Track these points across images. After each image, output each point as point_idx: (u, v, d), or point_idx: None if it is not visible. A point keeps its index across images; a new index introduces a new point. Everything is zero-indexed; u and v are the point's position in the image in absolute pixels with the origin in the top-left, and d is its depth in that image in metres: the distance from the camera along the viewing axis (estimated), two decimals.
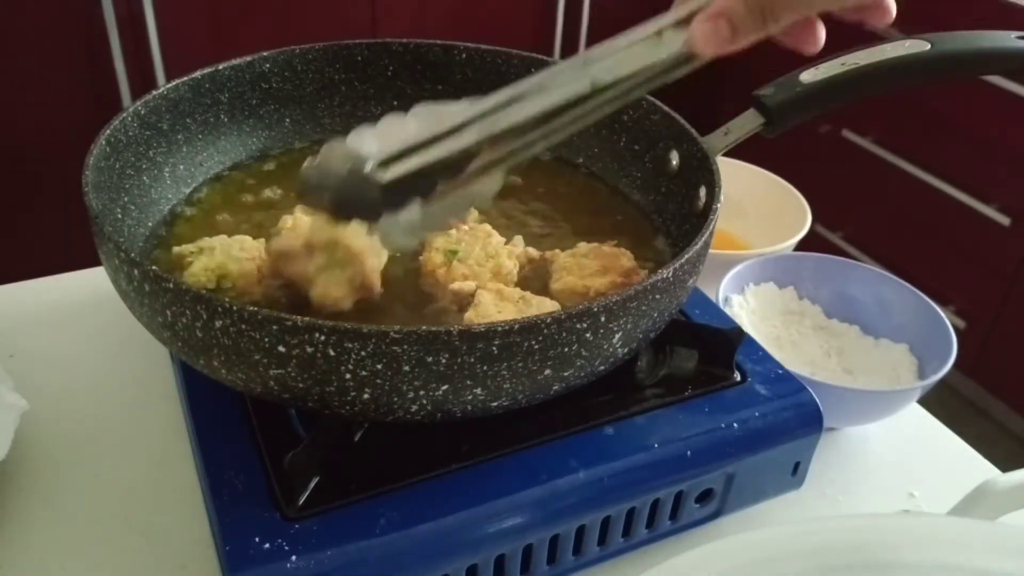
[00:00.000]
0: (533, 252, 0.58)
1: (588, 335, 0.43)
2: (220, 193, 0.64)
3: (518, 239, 0.58)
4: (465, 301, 0.52)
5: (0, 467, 0.55)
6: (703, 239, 0.49)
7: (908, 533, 0.32)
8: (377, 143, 0.46)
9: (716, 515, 0.55)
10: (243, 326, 0.41)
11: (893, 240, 1.99)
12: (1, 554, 0.51)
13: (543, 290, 0.55)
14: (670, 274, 0.46)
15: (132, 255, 0.44)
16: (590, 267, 0.56)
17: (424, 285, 0.56)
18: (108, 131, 0.55)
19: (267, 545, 0.43)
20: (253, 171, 0.66)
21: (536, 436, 0.50)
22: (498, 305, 0.51)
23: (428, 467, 0.47)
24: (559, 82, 0.45)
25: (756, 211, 0.86)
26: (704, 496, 0.53)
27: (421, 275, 0.56)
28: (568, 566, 0.51)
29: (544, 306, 0.51)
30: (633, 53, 0.44)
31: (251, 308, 0.40)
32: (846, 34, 0.47)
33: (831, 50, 0.58)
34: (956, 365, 0.62)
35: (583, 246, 0.58)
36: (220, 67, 0.64)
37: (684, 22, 0.43)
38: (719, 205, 0.52)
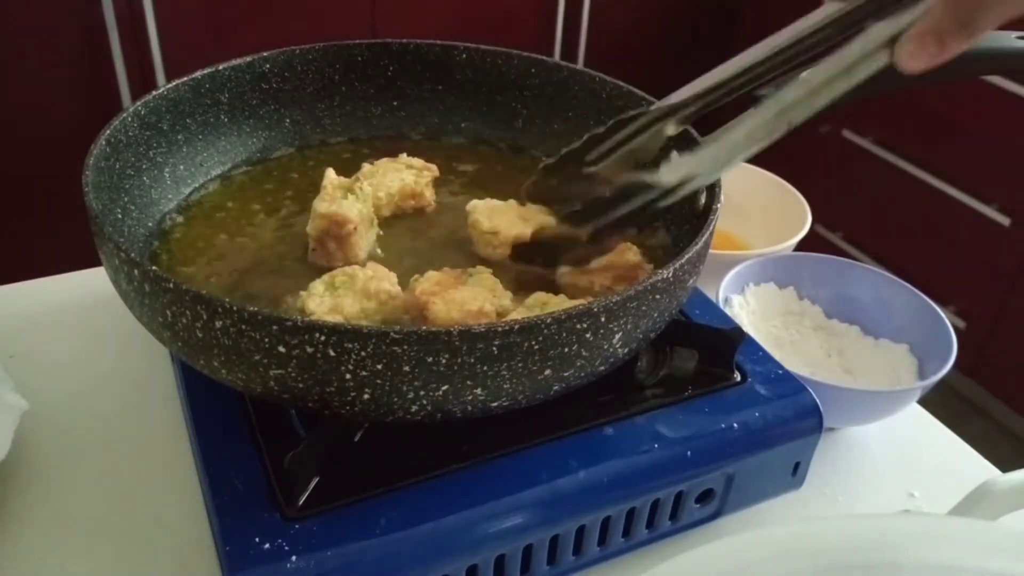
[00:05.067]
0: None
1: (588, 335, 0.43)
2: (220, 193, 0.64)
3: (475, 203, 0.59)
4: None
5: (0, 467, 0.55)
6: (703, 239, 0.49)
7: (908, 533, 0.32)
8: None
9: (716, 515, 0.55)
10: (243, 326, 0.41)
11: (893, 240, 1.99)
12: (1, 554, 0.51)
13: (548, 286, 0.55)
14: (670, 274, 0.46)
15: (132, 255, 0.44)
16: (596, 262, 0.56)
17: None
18: (108, 131, 0.55)
19: (267, 545, 0.43)
20: (253, 171, 0.66)
21: (536, 436, 0.50)
22: None
23: (428, 467, 0.47)
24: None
25: (756, 211, 0.86)
26: (704, 496, 0.53)
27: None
28: (568, 566, 0.51)
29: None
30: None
31: (251, 308, 0.40)
32: None
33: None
34: (956, 365, 0.62)
35: None
36: (220, 67, 0.64)
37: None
38: (719, 205, 0.52)
